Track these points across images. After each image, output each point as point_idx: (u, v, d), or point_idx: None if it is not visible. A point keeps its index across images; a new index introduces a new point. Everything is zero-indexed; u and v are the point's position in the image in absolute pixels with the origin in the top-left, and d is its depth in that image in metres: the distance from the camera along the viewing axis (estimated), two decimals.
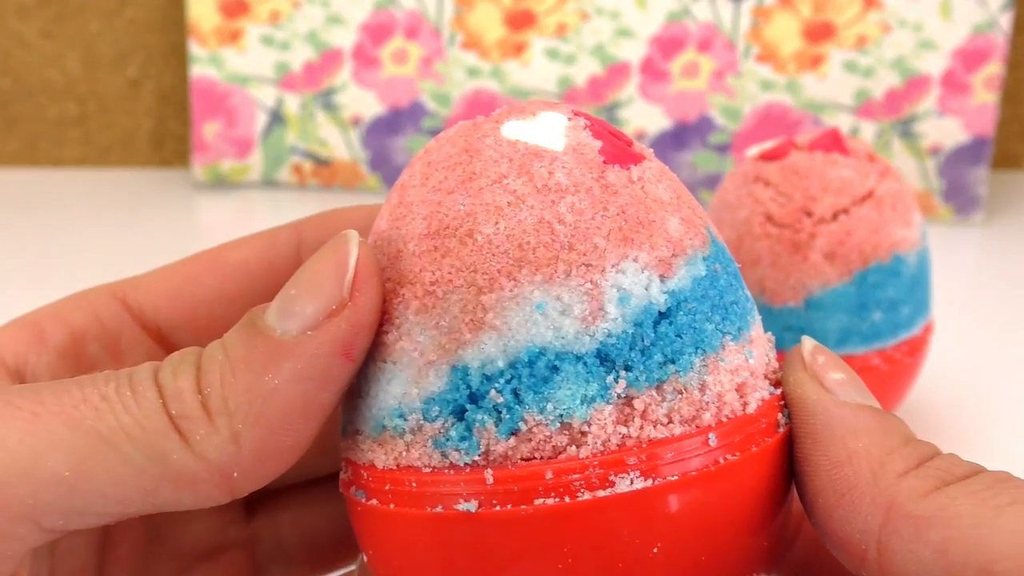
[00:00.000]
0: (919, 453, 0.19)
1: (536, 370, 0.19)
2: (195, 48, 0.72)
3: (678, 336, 0.20)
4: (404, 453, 0.20)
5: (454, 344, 0.20)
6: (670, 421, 0.20)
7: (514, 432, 0.19)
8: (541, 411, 0.19)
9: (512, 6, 0.70)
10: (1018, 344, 0.54)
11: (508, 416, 0.19)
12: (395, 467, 0.20)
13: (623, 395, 0.19)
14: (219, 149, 0.73)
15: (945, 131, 0.68)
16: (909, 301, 0.40)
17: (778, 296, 0.39)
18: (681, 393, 0.20)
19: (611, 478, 0.19)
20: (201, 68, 0.72)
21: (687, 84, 0.70)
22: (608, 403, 0.19)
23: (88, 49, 0.76)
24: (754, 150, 0.42)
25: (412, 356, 0.20)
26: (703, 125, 0.70)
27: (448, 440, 0.20)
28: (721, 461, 0.20)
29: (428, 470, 0.20)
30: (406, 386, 0.20)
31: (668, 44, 0.69)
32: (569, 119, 0.21)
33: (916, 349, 0.41)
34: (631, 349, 0.20)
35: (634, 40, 0.70)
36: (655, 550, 0.19)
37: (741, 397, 0.20)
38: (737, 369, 0.20)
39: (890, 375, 0.40)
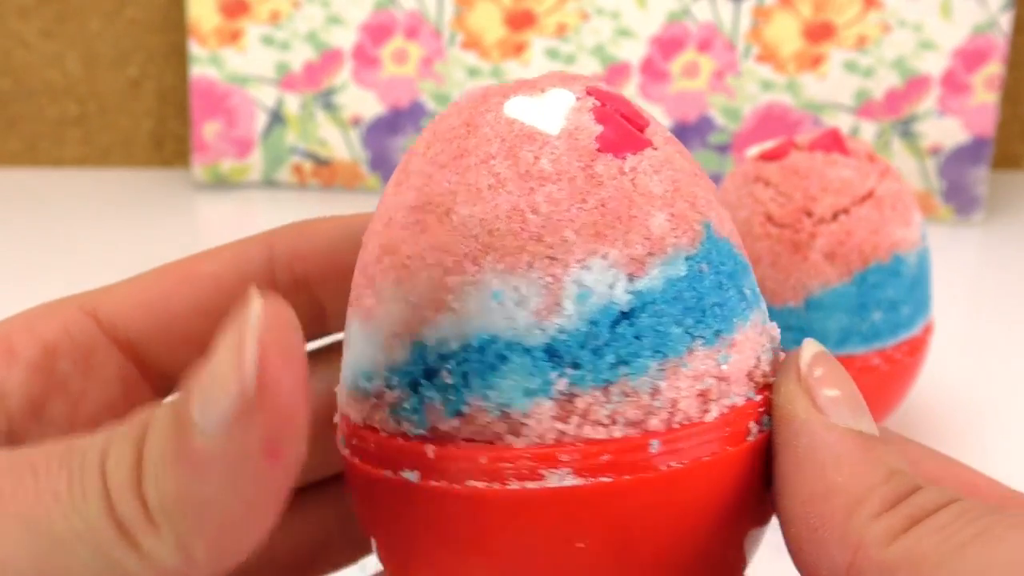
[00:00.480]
0: (898, 491, 0.19)
1: (485, 357, 0.20)
2: (195, 48, 0.72)
3: (637, 338, 0.19)
4: (369, 413, 0.21)
5: (418, 320, 0.20)
6: (612, 423, 0.19)
7: (458, 413, 0.20)
8: (485, 397, 0.20)
9: (512, 6, 0.70)
10: (1018, 344, 0.54)
11: (454, 397, 0.20)
12: (362, 424, 0.21)
13: (565, 392, 0.19)
14: (219, 149, 0.73)
15: (945, 131, 0.68)
16: (909, 301, 0.40)
17: (778, 296, 0.39)
18: (628, 396, 0.19)
19: (541, 471, 0.19)
20: (201, 68, 0.72)
21: (687, 84, 0.70)
22: (549, 398, 0.19)
23: (88, 49, 0.76)
24: (754, 150, 0.42)
25: (383, 324, 0.21)
26: (703, 125, 0.70)
27: (403, 411, 0.20)
28: (663, 468, 0.19)
29: (385, 434, 0.21)
30: (375, 351, 0.21)
31: (668, 44, 0.69)
32: (578, 98, 0.21)
33: (916, 349, 0.41)
34: (582, 347, 0.19)
35: (634, 40, 0.70)
36: (580, 546, 0.19)
37: (702, 404, 0.20)
38: (702, 375, 0.20)
39: (890, 375, 0.40)
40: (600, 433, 0.19)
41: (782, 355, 0.22)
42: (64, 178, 0.77)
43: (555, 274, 0.19)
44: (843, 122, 0.69)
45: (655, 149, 0.21)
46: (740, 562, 0.21)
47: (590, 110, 0.21)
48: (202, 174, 0.73)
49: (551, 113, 0.21)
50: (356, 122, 0.73)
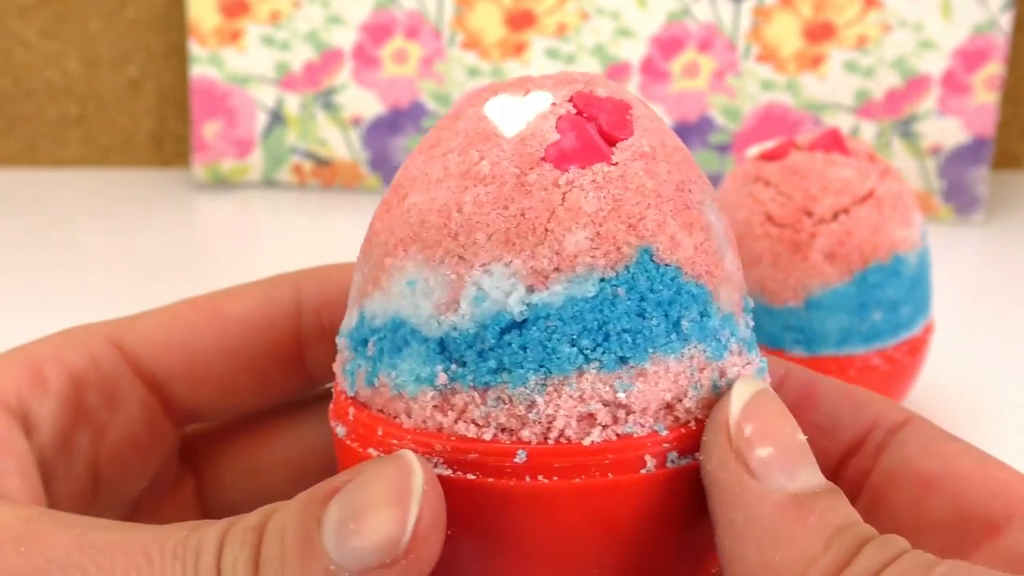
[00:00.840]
0: (839, 559, 0.18)
1: (396, 338, 0.21)
2: (195, 48, 0.72)
3: (522, 349, 0.20)
4: (337, 367, 0.23)
5: (363, 292, 0.22)
6: (485, 425, 0.20)
7: (371, 384, 0.21)
8: (389, 375, 0.21)
9: (512, 6, 0.70)
10: (1018, 344, 0.54)
11: (371, 369, 0.21)
12: (335, 374, 0.23)
13: (446, 386, 0.20)
14: (219, 149, 0.73)
15: (945, 131, 0.68)
16: (909, 301, 0.40)
17: (778, 296, 0.39)
18: (505, 403, 0.20)
19: (420, 454, 0.20)
20: (201, 68, 0.72)
21: (687, 84, 0.70)
22: (433, 388, 0.20)
23: (88, 49, 0.76)
24: (754, 150, 0.42)
25: (353, 289, 0.22)
26: (703, 125, 0.70)
27: (346, 371, 0.22)
28: (527, 480, 0.20)
29: (338, 388, 0.23)
30: (347, 312, 0.23)
31: (668, 44, 0.69)
32: (554, 103, 0.21)
33: (916, 349, 0.41)
34: (469, 347, 0.20)
35: (634, 40, 0.70)
36: (448, 532, 0.20)
37: (584, 426, 0.20)
38: (588, 399, 0.20)
39: (890, 375, 0.40)
40: (471, 432, 0.20)
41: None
42: (64, 178, 0.77)
43: (459, 272, 0.20)
44: (843, 122, 0.69)
45: (611, 164, 0.20)
46: None
47: (557, 117, 0.21)
48: (202, 174, 0.73)
49: (518, 115, 0.21)
50: (356, 122, 0.73)
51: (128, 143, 0.78)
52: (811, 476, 0.20)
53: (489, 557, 0.21)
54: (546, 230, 0.20)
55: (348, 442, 0.22)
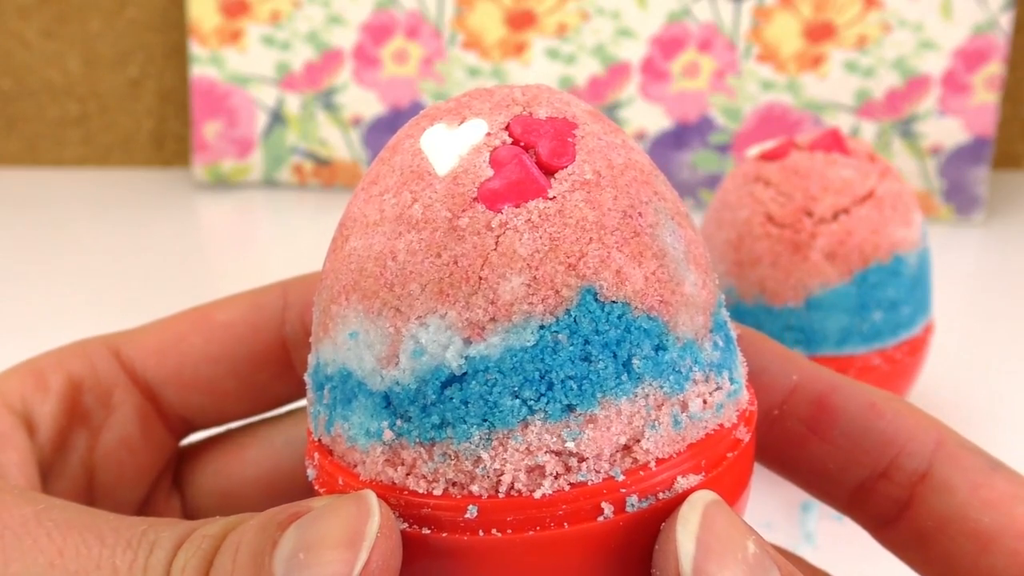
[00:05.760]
0: None
1: (346, 389, 0.20)
2: (195, 48, 0.72)
3: (464, 404, 0.19)
4: (307, 406, 0.22)
5: (317, 337, 0.21)
6: (435, 480, 0.19)
7: (329, 433, 0.21)
8: (342, 427, 0.20)
9: (513, 6, 0.70)
10: (1018, 344, 0.54)
11: (328, 417, 0.21)
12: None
13: (394, 442, 0.20)
14: (219, 149, 0.73)
15: (945, 131, 0.68)
16: (909, 301, 0.40)
17: (778, 296, 0.39)
18: (451, 458, 0.19)
19: None
20: (201, 68, 0.72)
21: (687, 84, 0.70)
22: (382, 443, 0.20)
23: (89, 49, 0.76)
24: (754, 150, 0.42)
25: (312, 327, 0.22)
26: (703, 125, 0.70)
27: (311, 413, 0.22)
28: (481, 534, 0.19)
29: (309, 427, 0.22)
30: (310, 351, 0.22)
31: (668, 44, 0.69)
32: (489, 133, 0.20)
33: (916, 349, 0.41)
34: (412, 403, 0.19)
35: (634, 40, 0.70)
36: None
37: (534, 478, 0.19)
38: (536, 450, 0.19)
39: (890, 375, 0.40)
40: (422, 487, 0.19)
41: (703, 425, 0.20)
42: (64, 178, 0.77)
43: (397, 326, 0.19)
44: (843, 122, 0.69)
45: (548, 200, 0.19)
46: None
47: (492, 149, 0.20)
48: (202, 174, 0.73)
49: (451, 150, 0.20)
50: (356, 122, 0.73)
51: (128, 143, 0.78)
52: None
53: None
54: (480, 278, 0.19)
55: (316, 487, 0.21)
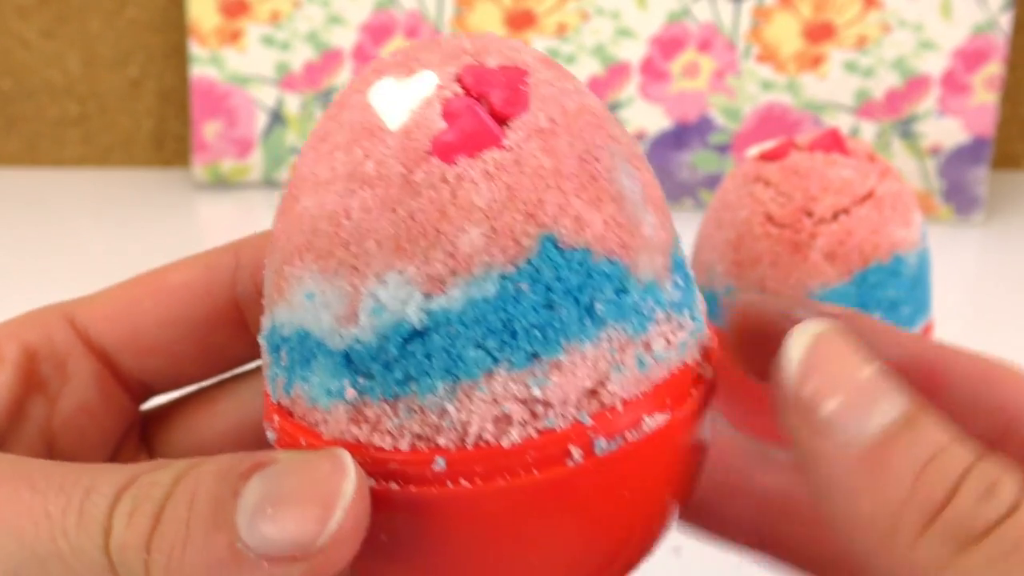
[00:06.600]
0: (933, 501, 0.17)
1: (304, 350, 0.20)
2: (195, 48, 0.72)
3: (427, 358, 0.19)
4: (263, 369, 0.22)
5: (271, 299, 0.21)
6: (400, 435, 0.19)
7: (289, 394, 0.21)
8: (302, 388, 0.20)
9: (512, 6, 0.70)
10: (1018, 344, 0.54)
11: (287, 379, 0.21)
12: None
13: (357, 400, 0.19)
14: (219, 149, 0.73)
15: (945, 131, 0.68)
16: (909, 301, 0.40)
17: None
18: (416, 412, 0.19)
19: None
20: (201, 68, 0.72)
21: (687, 84, 0.70)
22: (344, 402, 0.19)
23: (88, 49, 0.76)
24: (754, 150, 0.42)
25: (264, 290, 0.21)
26: (703, 125, 0.70)
27: (267, 376, 0.21)
28: (449, 486, 0.19)
29: (266, 390, 0.22)
30: (264, 313, 0.22)
31: (668, 44, 0.69)
32: (440, 85, 0.20)
33: None
34: (374, 360, 0.19)
35: (634, 40, 0.70)
36: (383, 539, 0.19)
37: (500, 428, 0.19)
38: (501, 400, 0.19)
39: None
40: (388, 443, 0.19)
41: (669, 365, 0.20)
42: (64, 178, 0.77)
43: (355, 284, 0.19)
44: (843, 122, 0.69)
45: (503, 149, 0.19)
46: None
47: (443, 101, 0.19)
48: (202, 174, 0.73)
49: (402, 104, 0.20)
50: None
51: (128, 143, 0.78)
52: (888, 410, 0.18)
53: (420, 565, 0.20)
54: (437, 232, 0.19)
55: (278, 448, 0.21)
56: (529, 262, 0.19)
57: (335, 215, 0.19)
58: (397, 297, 0.19)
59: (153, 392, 0.28)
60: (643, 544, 0.21)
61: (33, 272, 0.62)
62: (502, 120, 0.19)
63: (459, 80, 0.20)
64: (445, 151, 0.19)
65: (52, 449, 0.26)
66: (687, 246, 0.44)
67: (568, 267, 0.19)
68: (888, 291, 0.39)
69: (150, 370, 0.27)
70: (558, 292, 0.19)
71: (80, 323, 0.26)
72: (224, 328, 0.27)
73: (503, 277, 0.19)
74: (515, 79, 0.20)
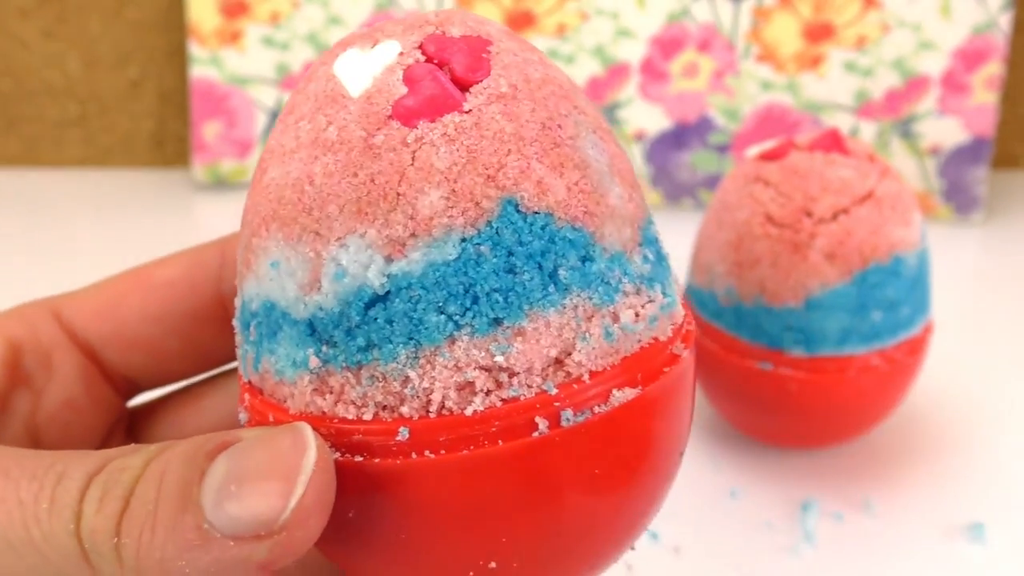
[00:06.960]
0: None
1: (270, 321, 0.20)
2: (195, 49, 0.72)
3: (388, 323, 0.19)
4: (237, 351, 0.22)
5: (241, 275, 0.21)
6: (364, 405, 0.19)
7: (257, 370, 0.21)
8: (270, 361, 0.20)
9: (512, 6, 0.70)
10: (1018, 344, 0.54)
11: (255, 354, 0.20)
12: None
13: (320, 369, 0.19)
14: (219, 149, 0.73)
15: (945, 131, 0.68)
16: (909, 301, 0.40)
17: (778, 296, 0.39)
18: (379, 380, 0.19)
19: None
20: (201, 69, 0.72)
21: (687, 84, 0.70)
22: (309, 372, 0.19)
23: (89, 50, 0.76)
24: (754, 150, 0.42)
25: (238, 269, 0.21)
26: (703, 125, 0.70)
27: (239, 355, 0.21)
28: (414, 457, 0.19)
29: (240, 372, 0.22)
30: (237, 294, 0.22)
31: (668, 44, 0.69)
32: (402, 52, 0.20)
33: (916, 349, 0.41)
34: (336, 327, 0.19)
35: (634, 40, 0.70)
36: (350, 515, 0.19)
37: (461, 396, 0.19)
38: (464, 366, 0.19)
39: (890, 375, 0.40)
40: (351, 413, 0.19)
41: (638, 335, 0.20)
42: (64, 178, 0.77)
43: (317, 250, 0.19)
44: (843, 122, 0.69)
45: (464, 113, 0.19)
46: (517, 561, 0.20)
47: (405, 68, 0.19)
48: (202, 174, 0.73)
49: (364, 72, 0.20)
50: None
51: (128, 144, 0.78)
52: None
53: (388, 537, 0.20)
54: (398, 194, 0.19)
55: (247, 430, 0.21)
56: (490, 224, 0.19)
57: (299, 182, 0.19)
58: (358, 261, 0.19)
59: (140, 388, 0.28)
60: (614, 524, 0.21)
61: (33, 272, 0.62)
62: (464, 87, 0.19)
63: (421, 48, 0.20)
64: (406, 115, 0.19)
65: (37, 443, 0.26)
66: (687, 246, 0.44)
67: (530, 231, 0.19)
68: (888, 291, 0.39)
69: (136, 365, 0.27)
70: (520, 256, 0.19)
71: (66, 318, 0.26)
72: (209, 324, 0.27)
73: (463, 240, 0.19)
74: (478, 47, 0.20)
